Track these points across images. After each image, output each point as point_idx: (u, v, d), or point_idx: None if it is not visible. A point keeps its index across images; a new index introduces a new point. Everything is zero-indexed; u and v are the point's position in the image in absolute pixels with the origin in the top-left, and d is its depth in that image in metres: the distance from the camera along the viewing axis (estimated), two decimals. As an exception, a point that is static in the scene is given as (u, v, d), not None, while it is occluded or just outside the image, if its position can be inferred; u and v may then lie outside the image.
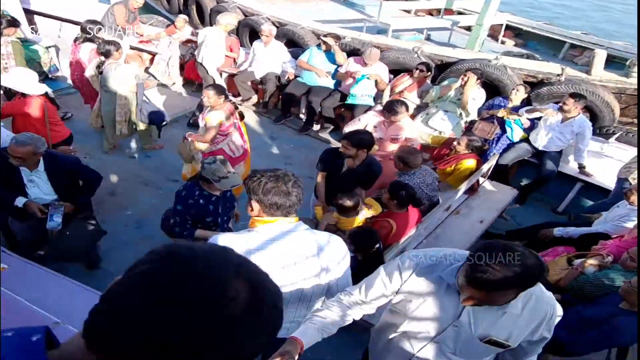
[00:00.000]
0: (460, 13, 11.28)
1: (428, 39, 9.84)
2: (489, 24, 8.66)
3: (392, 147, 5.05)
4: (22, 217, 3.87)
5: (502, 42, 10.24)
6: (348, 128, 5.38)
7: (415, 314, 2.04)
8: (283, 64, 7.53)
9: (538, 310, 1.90)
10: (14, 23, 5.95)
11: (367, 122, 5.46)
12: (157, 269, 0.80)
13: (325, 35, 7.16)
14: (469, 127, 6.29)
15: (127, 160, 6.05)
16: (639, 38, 6.06)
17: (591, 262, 3.60)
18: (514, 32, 10.63)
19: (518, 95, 5.96)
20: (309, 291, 2.22)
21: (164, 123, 6.10)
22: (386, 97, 6.73)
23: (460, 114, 6.30)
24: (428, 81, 6.88)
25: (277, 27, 8.99)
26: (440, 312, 1.98)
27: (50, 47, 7.33)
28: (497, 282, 1.64)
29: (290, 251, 2.13)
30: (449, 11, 11.27)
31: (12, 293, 2.70)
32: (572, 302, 3.50)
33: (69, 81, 6.89)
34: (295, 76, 7.46)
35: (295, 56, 7.63)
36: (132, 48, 7.58)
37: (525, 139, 5.86)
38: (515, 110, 5.85)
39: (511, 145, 5.91)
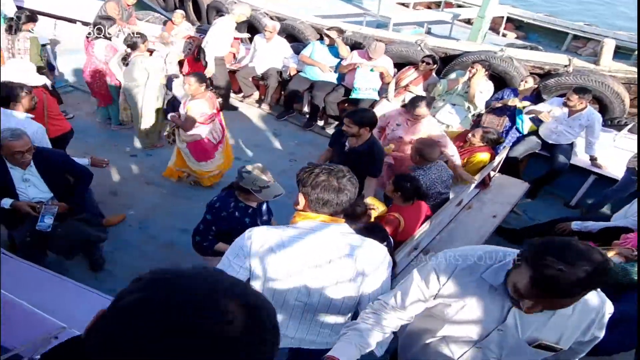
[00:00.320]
0: (459, 6, 11.16)
1: (429, 32, 9.71)
2: (491, 16, 8.52)
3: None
4: (13, 223, 3.67)
5: (504, 35, 10.11)
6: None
7: (456, 318, 1.88)
8: (285, 59, 7.39)
9: (589, 309, 1.76)
10: (32, 18, 5.87)
11: (390, 118, 5.21)
12: (145, 298, 0.74)
13: (328, 29, 7.02)
14: (477, 121, 6.18)
15: (128, 160, 5.89)
16: (639, 33, 5.97)
17: (617, 252, 3.47)
18: (515, 24, 10.51)
19: (527, 87, 5.83)
20: (339, 300, 2.03)
21: None
22: (391, 91, 6.62)
23: (468, 107, 6.18)
24: (434, 74, 6.76)
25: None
26: (483, 316, 1.82)
27: (45, 45, 7.15)
28: (570, 285, 1.47)
29: (322, 251, 1.95)
30: (448, 4, 11.16)
31: (15, 297, 2.56)
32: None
33: (66, 78, 6.74)
34: (298, 71, 7.31)
35: (296, 51, 7.50)
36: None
37: (535, 132, 5.74)
38: (526, 100, 5.73)
39: (521, 138, 5.80)
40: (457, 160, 4.63)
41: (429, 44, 7.54)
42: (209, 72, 6.84)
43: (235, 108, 7.50)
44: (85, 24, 8.25)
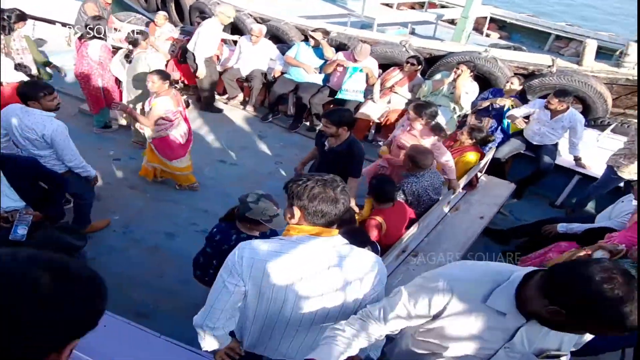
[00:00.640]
0: (443, 6, 11.21)
1: (413, 32, 9.71)
2: (474, 17, 8.55)
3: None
4: None
5: (487, 35, 10.17)
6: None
7: (460, 338, 1.83)
8: (270, 60, 7.34)
9: None
10: (22, 17, 5.77)
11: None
12: None
13: (313, 30, 6.99)
14: (463, 121, 6.20)
15: (111, 164, 5.78)
16: (639, 34, 6.04)
17: (602, 247, 3.48)
18: (498, 24, 10.58)
19: (513, 87, 5.87)
20: (337, 311, 1.99)
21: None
22: (377, 92, 6.62)
23: (454, 108, 6.20)
24: (419, 75, 6.76)
25: (260, 24, 8.81)
26: (488, 336, 1.77)
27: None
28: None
29: (318, 264, 1.91)
30: (432, 5, 11.20)
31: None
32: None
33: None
34: (282, 73, 7.26)
35: (281, 52, 7.45)
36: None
37: (520, 132, 5.77)
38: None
39: (506, 139, 5.82)
40: (452, 174, 4.60)
41: (414, 45, 7.54)
42: (201, 74, 6.79)
43: (220, 110, 7.43)
44: (65, 25, 8.12)
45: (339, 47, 7.55)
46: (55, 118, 3.86)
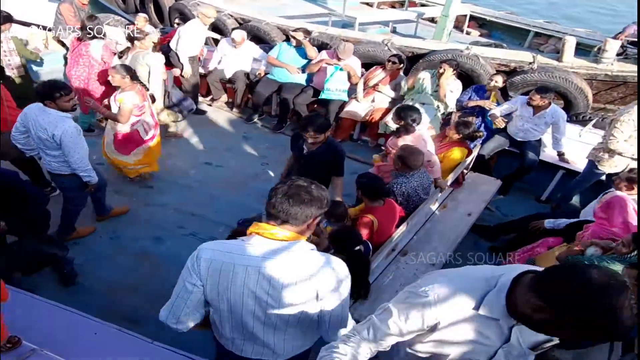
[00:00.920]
0: (423, 5, 11.26)
1: (394, 31, 9.76)
2: (454, 15, 8.61)
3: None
4: None
5: (468, 33, 10.24)
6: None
7: (457, 344, 1.83)
8: (254, 61, 7.32)
9: None
10: (9, 18, 5.76)
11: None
12: None
13: (294, 30, 6.97)
14: (447, 119, 6.24)
15: (94, 168, 5.67)
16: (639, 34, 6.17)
17: (595, 243, 3.52)
18: (478, 22, 10.67)
19: (496, 85, 5.93)
20: (295, 318, 1.99)
21: (192, 109, 6.52)
22: (360, 91, 6.62)
23: (437, 106, 6.23)
24: (401, 73, 6.79)
25: (241, 24, 8.77)
26: (485, 340, 1.78)
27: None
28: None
29: (278, 269, 1.89)
30: (412, 3, 11.25)
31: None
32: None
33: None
34: (266, 73, 7.22)
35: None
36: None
37: (503, 129, 5.82)
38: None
39: (490, 135, 5.87)
40: (438, 172, 4.60)
41: (396, 44, 7.57)
42: (186, 73, 6.77)
43: (203, 112, 7.37)
44: (42, 27, 7.97)
45: (321, 46, 7.54)
46: (69, 120, 3.85)
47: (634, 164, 4.95)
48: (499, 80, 5.94)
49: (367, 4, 11.42)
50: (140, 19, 7.51)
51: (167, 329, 3.26)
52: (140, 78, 5.50)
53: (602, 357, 3.60)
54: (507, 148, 5.84)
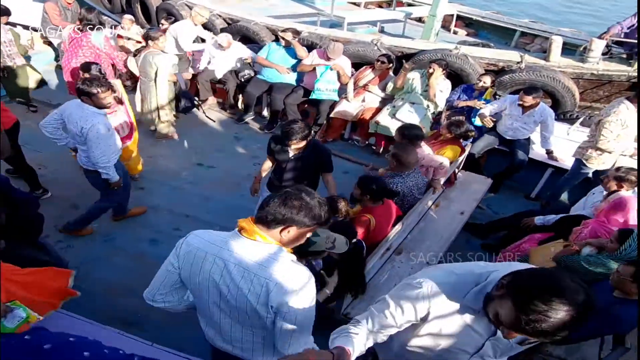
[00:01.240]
0: (410, 4, 11.31)
1: (382, 31, 9.81)
2: (442, 15, 8.68)
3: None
4: None
5: (455, 33, 10.31)
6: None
7: (447, 337, 1.91)
8: (244, 65, 7.31)
9: None
10: (6, 11, 5.84)
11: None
12: None
13: (283, 31, 6.97)
14: (437, 119, 6.30)
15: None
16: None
17: (590, 242, 3.58)
18: (465, 22, 10.75)
19: (485, 85, 6.01)
20: (248, 318, 1.99)
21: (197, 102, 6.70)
22: (350, 91, 6.65)
23: (427, 105, 6.29)
24: (391, 73, 6.83)
25: (230, 24, 8.75)
26: (473, 333, 1.87)
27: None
28: (555, 329, 1.50)
29: (241, 267, 1.90)
30: (399, 3, 11.30)
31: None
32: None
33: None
34: (256, 73, 7.22)
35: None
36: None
37: (493, 128, 5.89)
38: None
39: (480, 134, 5.93)
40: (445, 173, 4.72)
41: (385, 43, 7.61)
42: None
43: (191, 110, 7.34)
44: (26, 27, 7.88)
45: (311, 46, 7.55)
46: (100, 116, 3.97)
47: (621, 161, 5.04)
48: (487, 81, 6.03)
49: (355, 3, 11.45)
50: (126, 21, 7.49)
51: (167, 332, 3.29)
52: (148, 78, 5.66)
53: (593, 351, 3.69)
54: (496, 147, 5.91)
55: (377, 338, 1.97)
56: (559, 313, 1.47)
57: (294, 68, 7.01)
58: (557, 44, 6.85)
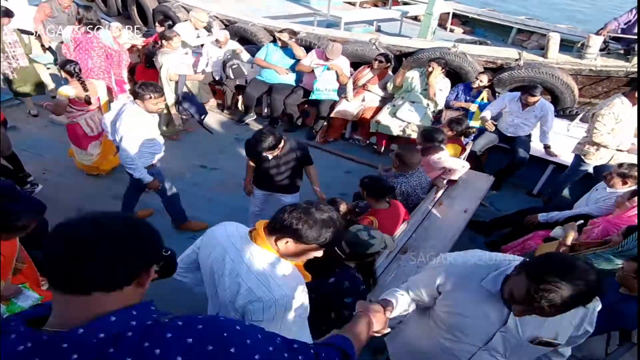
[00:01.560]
0: (406, 3, 11.33)
1: (379, 30, 9.81)
2: (438, 13, 8.70)
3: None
4: None
5: (451, 31, 10.33)
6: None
7: (459, 323, 2.00)
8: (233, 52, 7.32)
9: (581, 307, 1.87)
10: (8, 13, 5.83)
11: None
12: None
13: (280, 32, 6.98)
14: (437, 117, 6.32)
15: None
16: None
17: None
18: (461, 19, 10.77)
19: (482, 85, 6.07)
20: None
21: (203, 116, 6.51)
22: (350, 91, 6.66)
23: (428, 104, 6.31)
24: (390, 72, 6.85)
25: (227, 26, 8.74)
26: (485, 320, 1.93)
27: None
28: (563, 303, 1.59)
29: (238, 267, 1.94)
30: (395, 2, 11.31)
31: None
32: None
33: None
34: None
35: (249, 53, 7.40)
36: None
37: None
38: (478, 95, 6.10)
39: (481, 132, 5.96)
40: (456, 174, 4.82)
41: (383, 43, 7.63)
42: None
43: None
44: (23, 31, 7.84)
45: (309, 47, 7.55)
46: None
47: (619, 156, 5.08)
48: (484, 80, 6.08)
49: (350, 3, 11.45)
50: (114, 29, 7.39)
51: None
52: (160, 75, 5.84)
53: (601, 346, 3.72)
54: (497, 144, 5.94)
55: (411, 306, 2.23)
56: (569, 286, 1.56)
57: (292, 68, 7.02)
58: (554, 40, 6.88)
